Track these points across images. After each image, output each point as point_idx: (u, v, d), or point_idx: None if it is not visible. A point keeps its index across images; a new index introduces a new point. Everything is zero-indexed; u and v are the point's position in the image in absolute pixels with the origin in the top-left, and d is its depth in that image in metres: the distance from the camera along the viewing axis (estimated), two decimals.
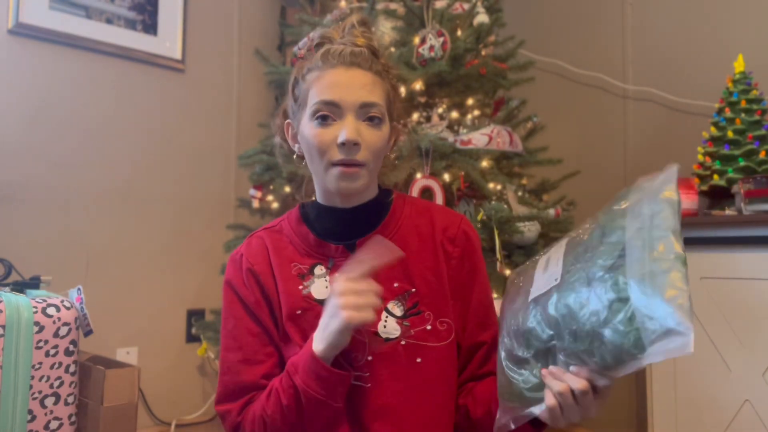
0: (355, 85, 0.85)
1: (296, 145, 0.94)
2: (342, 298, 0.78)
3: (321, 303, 0.90)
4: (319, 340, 0.82)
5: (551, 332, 0.73)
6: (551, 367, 0.73)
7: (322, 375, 0.81)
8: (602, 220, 0.76)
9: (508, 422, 0.79)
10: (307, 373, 0.81)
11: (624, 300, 0.66)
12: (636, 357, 0.65)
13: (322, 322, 0.82)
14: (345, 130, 0.83)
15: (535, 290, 0.78)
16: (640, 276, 0.65)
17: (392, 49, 1.82)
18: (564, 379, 0.72)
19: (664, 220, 0.68)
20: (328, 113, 0.85)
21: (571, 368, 0.71)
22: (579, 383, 0.70)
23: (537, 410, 0.75)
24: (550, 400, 0.73)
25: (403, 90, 1.77)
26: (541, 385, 0.75)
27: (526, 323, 0.77)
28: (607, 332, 0.66)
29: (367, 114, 0.85)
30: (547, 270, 0.78)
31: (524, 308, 0.79)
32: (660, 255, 0.65)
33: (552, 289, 0.75)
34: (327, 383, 0.81)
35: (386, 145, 0.90)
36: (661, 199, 0.70)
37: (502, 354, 0.81)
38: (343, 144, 0.83)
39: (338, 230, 0.93)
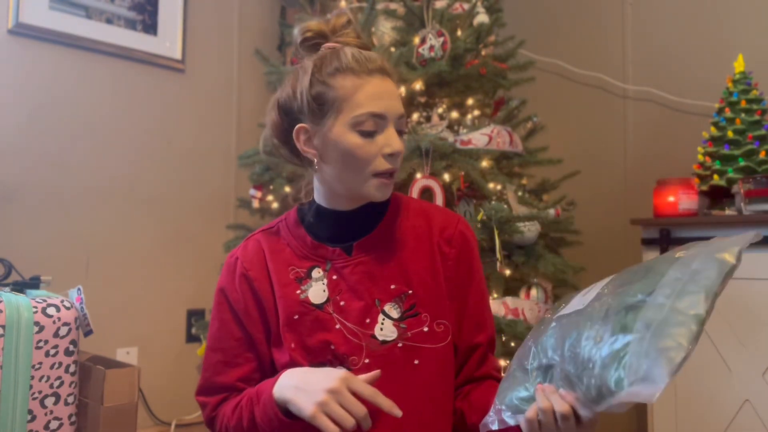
0: (393, 96, 0.87)
1: (309, 151, 0.89)
2: (329, 396, 0.78)
3: (318, 307, 0.90)
4: (284, 390, 0.83)
5: (558, 351, 0.74)
6: (545, 384, 0.74)
7: (274, 421, 0.83)
8: (654, 263, 0.74)
9: (493, 422, 0.79)
10: (264, 412, 0.84)
11: (626, 338, 0.66)
12: (613, 394, 0.64)
13: (300, 380, 0.82)
14: (394, 141, 0.86)
15: (565, 310, 0.79)
16: (649, 321, 0.64)
17: (392, 49, 1.82)
18: (550, 398, 0.71)
19: (706, 278, 0.66)
20: (374, 124, 0.85)
21: (560, 390, 0.71)
22: (562, 406, 0.70)
23: (514, 420, 0.76)
24: (530, 412, 0.73)
25: (403, 90, 1.77)
26: (532, 399, 0.75)
27: (542, 336, 0.78)
28: (599, 364, 0.67)
29: (401, 124, 0.88)
30: (585, 295, 0.79)
31: (549, 323, 0.80)
32: (682, 309, 0.64)
33: (574, 313, 0.76)
34: (278, 427, 0.84)
35: None
36: (715, 258, 0.68)
37: (515, 360, 0.82)
38: (391, 155, 0.86)
39: (336, 232, 0.93)
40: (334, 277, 0.91)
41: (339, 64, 0.86)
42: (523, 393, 0.77)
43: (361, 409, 0.78)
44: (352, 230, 0.93)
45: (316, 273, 0.92)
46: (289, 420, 0.82)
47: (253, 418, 0.86)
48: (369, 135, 0.85)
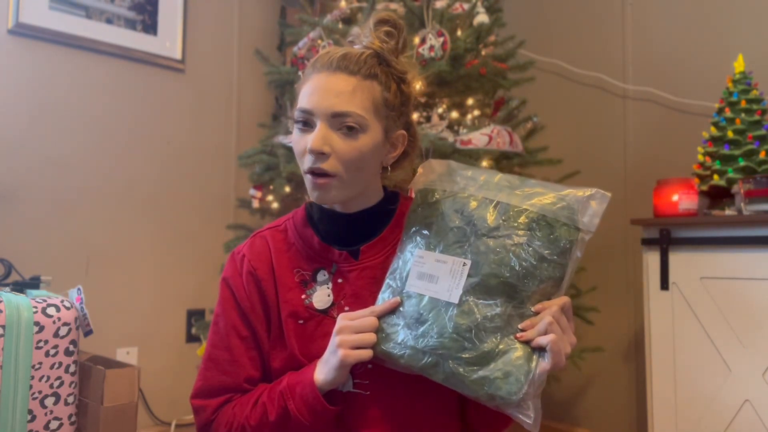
0: (331, 92, 0.82)
1: None
2: (339, 336, 0.80)
3: (323, 313, 0.89)
4: (320, 372, 0.82)
5: (496, 300, 0.76)
6: (521, 324, 0.76)
7: (317, 409, 0.82)
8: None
9: (532, 414, 0.75)
10: (303, 402, 0.82)
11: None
12: (578, 230, 0.78)
13: (325, 356, 0.83)
14: (311, 138, 0.82)
15: (444, 293, 0.79)
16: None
17: None
18: (543, 317, 0.75)
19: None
20: (305, 120, 0.84)
21: (534, 308, 0.76)
22: (562, 300, 0.77)
23: (545, 365, 0.74)
24: (544, 339, 0.74)
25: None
26: (529, 354, 0.74)
27: (477, 316, 0.76)
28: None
29: (341, 123, 0.82)
30: (440, 282, 0.80)
31: (450, 308, 0.77)
32: None
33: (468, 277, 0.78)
34: (319, 416, 0.82)
35: (368, 155, 0.85)
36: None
37: (471, 372, 0.75)
38: (311, 152, 0.82)
39: (342, 235, 0.92)
40: (339, 280, 0.90)
41: (308, 66, 0.89)
42: (516, 363, 0.74)
43: (371, 322, 0.81)
44: (359, 234, 0.92)
45: (321, 276, 0.91)
46: (332, 407, 0.82)
47: (285, 414, 0.83)
48: (304, 131, 0.85)
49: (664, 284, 1.69)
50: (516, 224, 0.78)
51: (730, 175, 1.67)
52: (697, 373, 1.62)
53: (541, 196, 0.80)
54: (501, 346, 0.75)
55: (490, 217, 0.79)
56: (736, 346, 1.56)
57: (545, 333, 0.74)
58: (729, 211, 1.66)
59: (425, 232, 0.83)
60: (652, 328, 1.71)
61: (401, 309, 0.80)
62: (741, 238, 1.56)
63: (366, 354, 0.79)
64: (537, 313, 0.77)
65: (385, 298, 0.83)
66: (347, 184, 0.85)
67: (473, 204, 0.82)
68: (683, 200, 1.70)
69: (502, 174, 0.85)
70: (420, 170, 0.91)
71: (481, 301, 0.76)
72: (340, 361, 0.79)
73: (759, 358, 1.52)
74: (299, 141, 0.85)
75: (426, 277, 0.80)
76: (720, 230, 1.61)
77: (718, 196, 1.75)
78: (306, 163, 0.84)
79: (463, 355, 0.75)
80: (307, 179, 0.85)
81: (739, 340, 1.56)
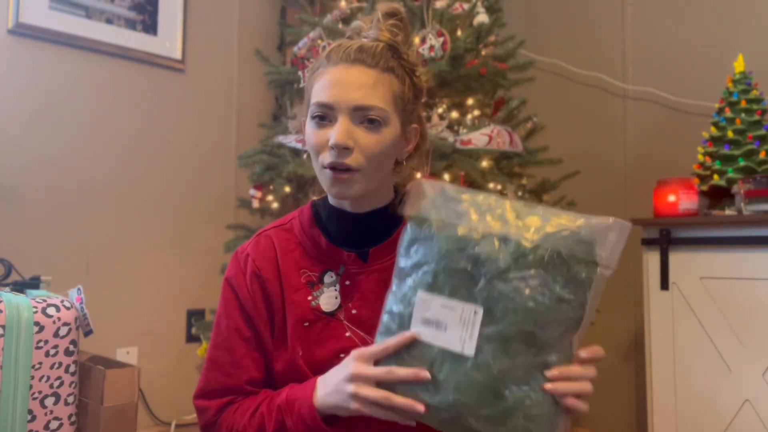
0: (352, 86, 0.81)
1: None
2: (356, 386, 0.74)
3: (329, 315, 0.87)
4: (322, 396, 0.78)
5: (514, 350, 0.69)
6: (551, 374, 0.68)
7: (314, 430, 0.79)
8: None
9: None
10: (301, 421, 0.79)
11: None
12: (595, 263, 0.70)
13: (332, 385, 0.78)
14: (334, 133, 0.80)
15: (456, 343, 0.71)
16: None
17: None
18: (582, 378, 0.69)
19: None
20: (323, 114, 0.82)
21: (582, 353, 0.70)
22: (597, 351, 0.70)
23: (567, 423, 0.71)
24: (582, 406, 0.68)
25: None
26: (552, 407, 0.69)
27: (494, 370, 0.69)
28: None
29: (364, 117, 0.81)
30: (448, 330, 0.72)
31: (465, 361, 0.71)
32: None
33: (481, 322, 0.71)
34: None
35: (389, 149, 0.84)
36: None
37: (491, 429, 0.69)
38: (332, 147, 0.80)
39: (350, 236, 0.90)
40: (347, 282, 0.88)
41: (319, 59, 0.86)
42: (541, 412, 0.68)
43: (392, 377, 0.73)
44: (368, 235, 0.90)
45: (329, 277, 0.89)
46: (330, 428, 0.79)
47: (283, 427, 0.81)
48: (322, 125, 0.82)
49: (664, 284, 1.69)
50: (528, 263, 0.70)
51: (730, 175, 1.67)
52: (697, 373, 1.62)
53: (553, 228, 0.71)
54: (522, 400, 0.68)
55: (499, 256, 0.71)
56: (736, 346, 1.56)
57: (579, 396, 0.69)
58: (729, 211, 1.66)
59: (425, 269, 0.74)
60: (652, 328, 1.71)
61: (406, 357, 0.73)
62: (741, 238, 1.56)
63: (380, 413, 0.73)
64: (559, 360, 0.70)
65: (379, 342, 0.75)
66: (369, 178, 0.83)
67: (477, 239, 0.72)
68: (683, 200, 1.70)
69: (505, 200, 0.76)
70: (409, 191, 0.82)
71: (498, 351, 0.69)
72: (349, 409, 0.75)
73: (759, 358, 1.52)
74: (317, 135, 0.82)
75: (433, 324, 0.72)
76: (720, 230, 1.61)
77: (718, 196, 1.76)
78: (326, 158, 0.81)
79: (483, 412, 0.69)
80: (326, 174, 0.82)
81: (739, 340, 1.56)
